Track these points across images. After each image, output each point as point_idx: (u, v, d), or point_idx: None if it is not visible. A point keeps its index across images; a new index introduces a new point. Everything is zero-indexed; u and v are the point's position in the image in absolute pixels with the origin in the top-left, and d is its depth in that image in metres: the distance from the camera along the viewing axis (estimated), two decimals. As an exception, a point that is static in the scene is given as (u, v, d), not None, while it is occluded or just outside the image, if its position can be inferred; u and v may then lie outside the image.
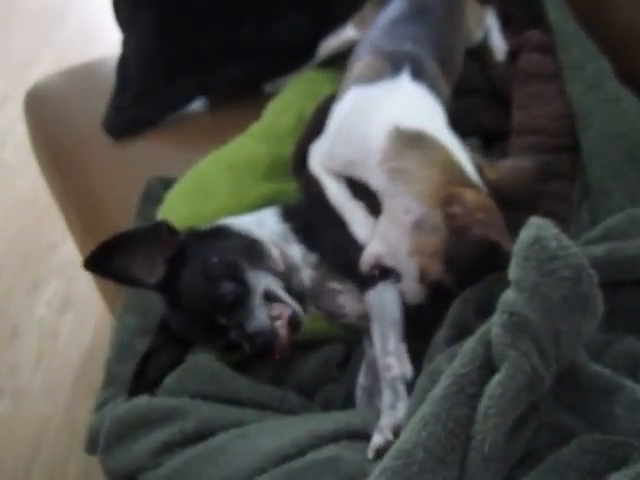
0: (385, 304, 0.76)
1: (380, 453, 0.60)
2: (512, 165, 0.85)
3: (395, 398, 0.68)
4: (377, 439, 0.63)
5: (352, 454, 0.60)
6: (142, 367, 0.77)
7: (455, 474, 0.50)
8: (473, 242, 0.67)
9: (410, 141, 0.77)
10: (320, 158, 0.87)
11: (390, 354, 0.72)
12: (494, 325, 0.54)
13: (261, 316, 0.74)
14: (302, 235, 0.84)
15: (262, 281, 0.77)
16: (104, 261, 0.76)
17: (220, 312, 0.75)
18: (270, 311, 0.75)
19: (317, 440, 0.61)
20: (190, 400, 0.71)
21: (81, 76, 1.31)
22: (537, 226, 0.55)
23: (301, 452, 0.61)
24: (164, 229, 0.80)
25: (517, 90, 0.92)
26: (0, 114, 2.15)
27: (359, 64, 0.88)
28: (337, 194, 0.83)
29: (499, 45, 1.02)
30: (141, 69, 1.12)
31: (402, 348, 0.72)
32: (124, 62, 1.14)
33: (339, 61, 1.13)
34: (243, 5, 1.07)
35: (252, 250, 0.81)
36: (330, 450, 0.60)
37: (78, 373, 1.59)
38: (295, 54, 1.11)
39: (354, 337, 0.84)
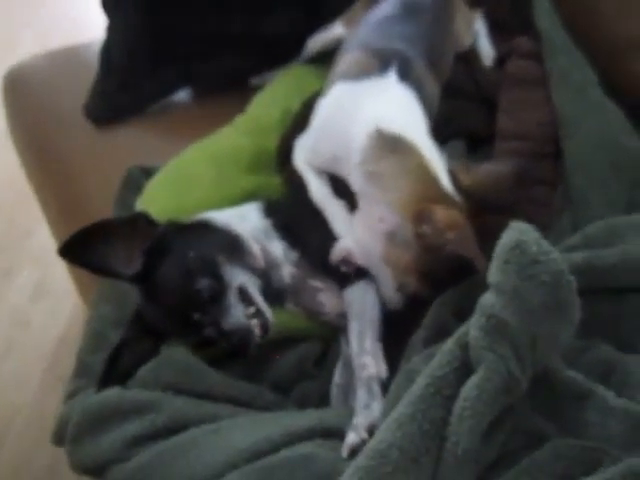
0: (364, 303, 0.76)
1: (354, 452, 0.60)
2: (490, 169, 0.85)
3: (370, 397, 0.67)
4: (351, 438, 0.62)
5: (326, 452, 0.59)
6: (114, 358, 0.76)
7: (428, 475, 0.50)
8: (446, 258, 0.67)
9: (389, 144, 0.78)
10: (304, 153, 0.86)
11: (366, 353, 0.71)
12: (472, 327, 0.54)
13: (237, 313, 0.74)
14: (284, 232, 0.83)
15: (238, 278, 0.77)
16: (80, 249, 0.75)
17: (195, 308, 0.74)
18: (246, 309, 0.74)
19: (291, 437, 0.61)
20: (163, 393, 0.69)
21: (63, 59, 1.28)
22: (519, 230, 0.55)
23: (274, 449, 0.60)
24: (143, 220, 0.79)
25: (503, 95, 0.92)
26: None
27: (346, 59, 0.88)
28: (318, 191, 0.83)
29: (487, 50, 1.03)
30: (126, 55, 1.09)
31: (378, 347, 0.72)
32: (108, 46, 1.11)
33: (326, 58, 1.13)
34: (234, -4, 1.06)
35: (232, 245, 0.80)
36: (304, 447, 0.59)
37: (49, 363, 1.55)
38: (284, 49, 1.10)
39: (331, 335, 0.83)
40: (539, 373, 0.56)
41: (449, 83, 0.97)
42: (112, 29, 1.11)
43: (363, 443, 0.60)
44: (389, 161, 0.76)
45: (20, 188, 1.82)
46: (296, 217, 0.86)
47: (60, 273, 1.73)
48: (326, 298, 0.82)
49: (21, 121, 1.24)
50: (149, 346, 0.78)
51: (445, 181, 0.76)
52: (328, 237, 0.80)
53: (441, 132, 0.93)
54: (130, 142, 1.12)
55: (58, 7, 2.50)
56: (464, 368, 0.53)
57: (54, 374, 1.52)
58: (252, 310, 0.74)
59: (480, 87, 0.98)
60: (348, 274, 0.77)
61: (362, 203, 0.77)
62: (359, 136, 0.78)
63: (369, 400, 0.67)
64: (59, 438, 0.74)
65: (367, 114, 0.80)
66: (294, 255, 0.82)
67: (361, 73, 0.83)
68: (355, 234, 0.77)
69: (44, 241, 1.80)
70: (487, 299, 0.54)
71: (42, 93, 1.22)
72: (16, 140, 1.27)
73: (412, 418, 0.51)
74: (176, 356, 0.73)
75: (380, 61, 0.83)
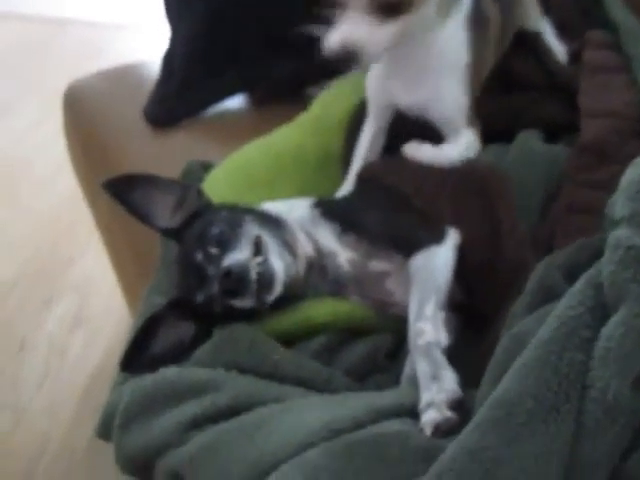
0: (432, 269, 0.68)
1: (438, 430, 0.52)
2: None
3: (434, 366, 0.59)
4: (433, 414, 0.53)
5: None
6: (142, 336, 0.69)
7: (571, 428, 0.40)
8: None
9: None
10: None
11: (425, 319, 0.63)
12: (606, 264, 0.45)
13: (240, 254, 0.68)
14: (334, 217, 0.78)
15: (259, 232, 0.72)
16: (126, 190, 0.74)
17: (203, 246, 0.70)
18: (253, 257, 0.68)
19: (377, 414, 0.52)
20: (225, 372, 0.61)
21: (118, 76, 1.31)
22: (647, 163, 0.48)
23: (359, 427, 0.51)
24: (195, 190, 0.78)
25: (584, 80, 0.87)
26: (33, 134, 2.19)
27: None
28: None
29: (558, 47, 0.99)
30: (187, 60, 1.10)
31: (439, 316, 0.64)
32: (171, 55, 1.12)
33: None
34: (296, 2, 1.06)
35: (275, 225, 0.76)
36: (395, 425, 0.50)
37: (83, 393, 1.50)
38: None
39: (403, 329, 0.75)
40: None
41: (518, 78, 0.94)
42: (175, 38, 1.13)
43: (447, 422, 0.52)
44: None
45: (67, 220, 1.87)
46: (351, 202, 0.82)
47: (100, 303, 1.72)
48: (394, 284, 0.74)
49: (79, 131, 1.25)
50: (187, 331, 0.71)
51: None
52: (395, 210, 0.75)
53: (513, 125, 0.89)
54: (185, 148, 1.11)
55: (110, 57, 2.63)
56: (600, 309, 0.44)
57: (88, 404, 1.46)
58: (259, 259, 0.68)
59: (554, 77, 0.94)
60: (417, 239, 0.70)
61: None
62: None
63: (435, 369, 0.58)
64: (104, 430, 0.66)
65: None
66: (349, 238, 0.75)
67: None
68: None
69: (86, 270, 1.81)
70: (621, 233, 0.46)
71: (99, 105, 1.24)
72: (73, 149, 1.27)
73: (545, 362, 0.42)
74: (239, 332, 0.65)
75: None
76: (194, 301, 0.69)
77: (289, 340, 0.69)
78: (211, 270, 0.68)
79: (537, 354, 0.43)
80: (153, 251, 0.90)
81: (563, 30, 1.03)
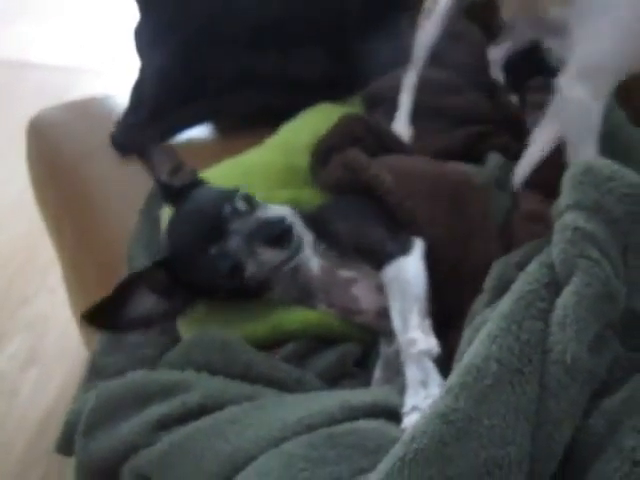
0: (406, 280, 0.69)
1: None
2: None
3: (424, 373, 0.60)
4: (416, 418, 0.53)
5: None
6: (117, 295, 0.66)
7: (535, 388, 0.42)
8: None
9: None
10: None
11: (414, 328, 0.64)
12: (556, 244, 0.49)
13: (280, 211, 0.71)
14: (311, 223, 0.79)
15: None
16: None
17: (231, 201, 0.71)
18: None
19: (352, 412, 0.52)
20: (195, 373, 0.61)
21: (83, 107, 1.32)
22: (585, 160, 0.53)
23: (333, 423, 0.51)
24: (186, 166, 0.81)
25: (529, 119, 0.95)
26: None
27: None
28: None
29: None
30: (158, 89, 1.13)
31: (427, 324, 0.65)
32: (140, 85, 1.15)
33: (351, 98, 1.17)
34: (266, 35, 1.12)
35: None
36: (372, 423, 0.51)
37: (34, 436, 1.42)
38: (310, 89, 1.14)
39: (370, 338, 0.76)
40: (628, 318, 0.50)
41: (472, 110, 1.02)
42: (145, 68, 1.16)
43: None
44: None
45: (22, 258, 1.82)
46: (324, 213, 0.83)
47: (54, 342, 1.66)
48: (360, 291, 0.75)
49: (44, 160, 1.24)
50: (157, 304, 0.68)
51: None
52: (366, 221, 0.77)
53: (469, 152, 0.96)
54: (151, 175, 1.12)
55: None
56: (554, 286, 0.47)
57: (38, 447, 1.38)
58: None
59: (503, 111, 1.02)
60: (384, 251, 0.72)
61: None
62: None
63: (424, 376, 0.59)
64: (66, 442, 0.63)
65: None
66: (321, 247, 0.77)
67: None
68: None
69: (40, 309, 1.75)
70: (567, 217, 0.50)
71: (65, 134, 1.24)
72: (37, 179, 1.26)
73: (507, 331, 0.44)
74: (211, 334, 0.65)
75: None
76: (205, 252, 0.68)
77: (259, 348, 0.70)
78: (237, 224, 0.69)
79: (499, 325, 0.45)
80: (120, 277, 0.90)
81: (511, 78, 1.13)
